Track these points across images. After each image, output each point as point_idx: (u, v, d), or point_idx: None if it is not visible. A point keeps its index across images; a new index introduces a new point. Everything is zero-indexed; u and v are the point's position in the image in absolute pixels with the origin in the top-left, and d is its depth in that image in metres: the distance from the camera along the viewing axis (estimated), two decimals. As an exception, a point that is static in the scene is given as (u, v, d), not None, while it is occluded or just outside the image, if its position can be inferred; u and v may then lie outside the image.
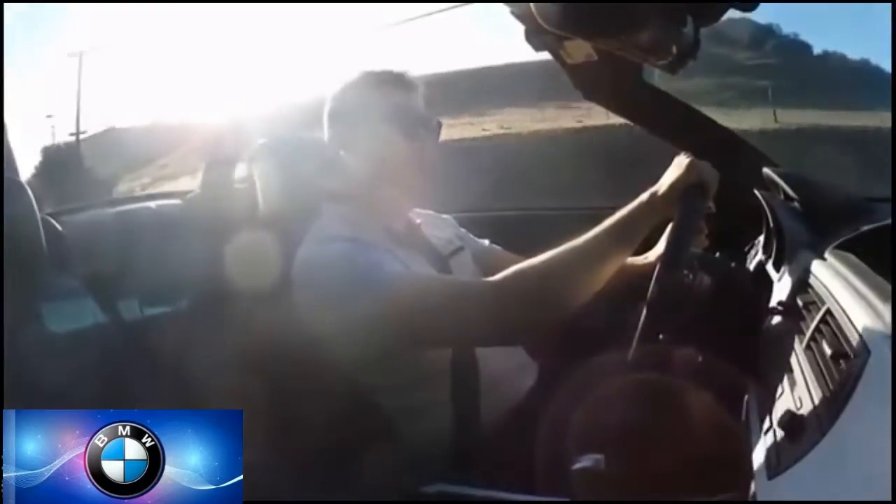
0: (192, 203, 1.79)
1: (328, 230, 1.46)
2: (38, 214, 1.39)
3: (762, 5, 1.17)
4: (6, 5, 1.41)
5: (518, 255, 1.76)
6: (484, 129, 18.55)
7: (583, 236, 1.29)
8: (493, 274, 1.55)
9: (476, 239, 1.81)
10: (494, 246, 1.82)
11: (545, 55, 1.63)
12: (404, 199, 1.59)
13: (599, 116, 13.94)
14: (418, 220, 1.64)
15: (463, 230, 1.81)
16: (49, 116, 24.25)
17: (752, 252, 1.62)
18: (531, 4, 1.15)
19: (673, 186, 1.31)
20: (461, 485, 1.33)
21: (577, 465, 1.26)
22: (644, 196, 1.35)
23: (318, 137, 1.58)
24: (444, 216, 1.80)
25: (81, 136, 21.37)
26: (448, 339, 1.38)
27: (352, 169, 1.53)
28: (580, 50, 1.65)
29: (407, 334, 1.32)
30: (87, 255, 1.43)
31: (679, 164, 1.35)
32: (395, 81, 1.55)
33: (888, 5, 1.60)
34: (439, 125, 1.58)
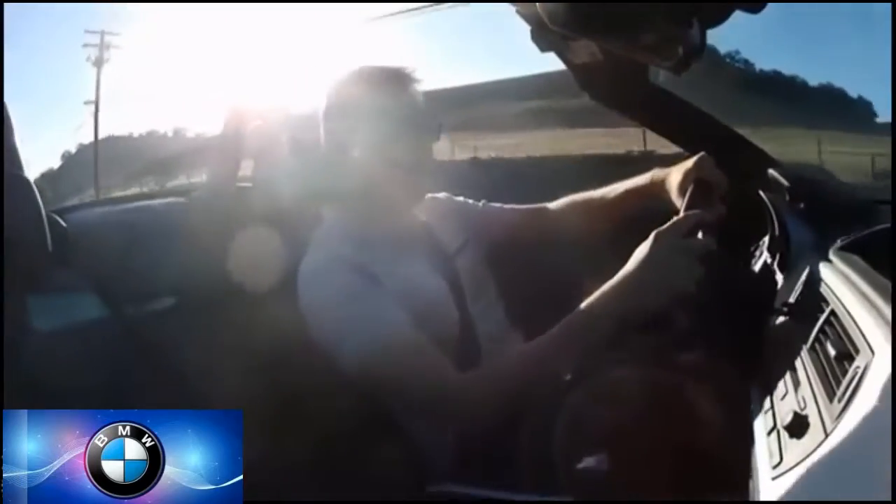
0: (197, 202, 1.79)
1: (331, 245, 1.46)
2: (43, 211, 1.39)
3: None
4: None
5: (517, 206, 1.77)
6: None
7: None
8: (501, 235, 1.66)
9: (474, 207, 1.78)
10: (491, 206, 1.80)
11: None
12: (405, 200, 1.57)
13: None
14: (423, 217, 1.63)
15: (460, 200, 1.80)
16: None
17: (757, 253, 1.62)
18: (537, 4, 1.15)
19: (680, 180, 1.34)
20: (465, 485, 1.33)
21: (580, 465, 1.26)
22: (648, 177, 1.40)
23: (318, 137, 1.57)
24: (441, 196, 1.78)
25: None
26: (423, 409, 1.39)
27: (348, 170, 1.52)
28: (586, 50, 1.65)
29: (388, 388, 1.35)
30: (91, 252, 1.43)
31: (688, 162, 1.37)
32: (393, 78, 1.52)
33: (888, 6, 1.59)
34: (439, 123, 1.56)
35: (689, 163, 1.42)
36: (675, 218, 1.24)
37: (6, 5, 1.41)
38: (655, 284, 1.23)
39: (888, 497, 0.55)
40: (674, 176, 1.46)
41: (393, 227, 1.54)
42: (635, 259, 1.26)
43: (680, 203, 1.36)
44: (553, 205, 1.75)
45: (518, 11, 1.57)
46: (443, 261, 1.58)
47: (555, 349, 1.30)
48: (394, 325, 1.34)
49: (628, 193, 1.60)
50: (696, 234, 1.22)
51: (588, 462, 1.27)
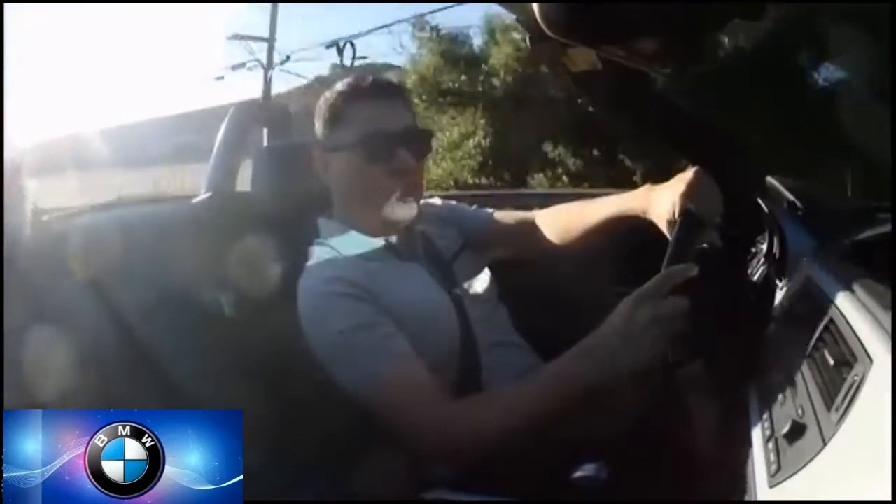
0: (197, 207, 1.79)
1: (328, 262, 1.47)
2: (39, 216, 1.39)
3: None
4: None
5: (508, 212, 1.77)
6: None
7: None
8: (494, 240, 1.67)
9: (467, 210, 1.80)
10: (483, 210, 1.81)
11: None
12: (400, 210, 1.57)
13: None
14: (420, 226, 1.64)
15: (452, 204, 1.81)
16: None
17: (755, 260, 1.62)
18: (536, 12, 1.15)
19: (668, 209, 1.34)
20: (461, 492, 1.33)
21: (578, 474, 1.26)
22: (639, 201, 1.39)
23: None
24: (433, 200, 1.78)
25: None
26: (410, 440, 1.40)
27: (342, 180, 1.53)
28: (584, 58, 1.65)
29: (379, 417, 1.36)
30: (88, 258, 1.42)
31: (682, 184, 1.35)
32: (385, 88, 1.53)
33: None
34: (428, 134, 1.55)
35: (681, 187, 1.38)
36: (655, 278, 1.24)
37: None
38: (630, 354, 1.22)
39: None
40: (664, 204, 1.41)
41: (388, 235, 1.54)
42: (614, 322, 1.26)
43: (670, 233, 1.35)
44: (543, 214, 1.75)
45: (517, 19, 1.58)
46: (441, 268, 1.58)
47: (528, 401, 1.31)
48: (386, 363, 1.36)
49: (618, 216, 1.57)
50: (678, 291, 1.22)
51: (586, 471, 1.27)
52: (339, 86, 1.52)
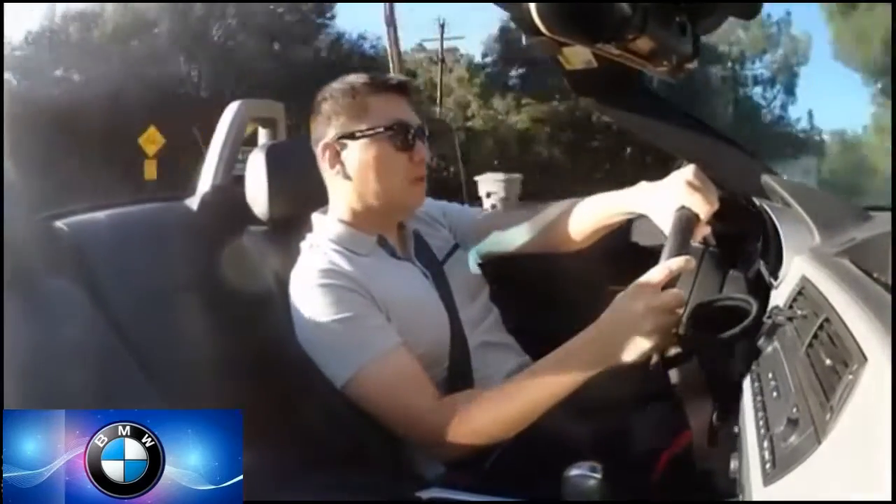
0: (193, 204, 1.79)
1: (320, 257, 1.48)
2: (36, 216, 1.39)
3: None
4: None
5: (502, 212, 1.78)
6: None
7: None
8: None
9: (459, 213, 1.80)
10: (474, 210, 1.83)
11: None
12: (394, 212, 1.58)
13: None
14: (413, 226, 1.64)
15: (444, 204, 1.81)
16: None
17: (751, 259, 1.63)
18: (533, 10, 1.16)
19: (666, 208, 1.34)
20: (455, 490, 1.33)
21: (572, 473, 1.27)
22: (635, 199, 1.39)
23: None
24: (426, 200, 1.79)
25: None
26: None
27: (334, 181, 1.53)
28: (579, 56, 1.65)
29: (368, 411, 1.39)
30: (84, 258, 1.42)
31: (679, 180, 1.35)
32: (391, 85, 1.53)
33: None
34: (434, 132, 1.56)
35: (678, 184, 1.37)
36: (652, 270, 1.24)
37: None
38: (625, 347, 1.23)
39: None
40: (660, 201, 1.41)
41: (383, 232, 1.55)
42: (611, 316, 1.27)
43: (665, 230, 1.35)
44: (536, 213, 1.75)
45: (513, 17, 1.58)
46: (433, 268, 1.59)
47: (523, 394, 1.32)
48: (376, 355, 1.38)
49: (613, 214, 1.57)
50: (675, 284, 1.23)
51: (581, 470, 1.27)
52: (357, 78, 1.52)
